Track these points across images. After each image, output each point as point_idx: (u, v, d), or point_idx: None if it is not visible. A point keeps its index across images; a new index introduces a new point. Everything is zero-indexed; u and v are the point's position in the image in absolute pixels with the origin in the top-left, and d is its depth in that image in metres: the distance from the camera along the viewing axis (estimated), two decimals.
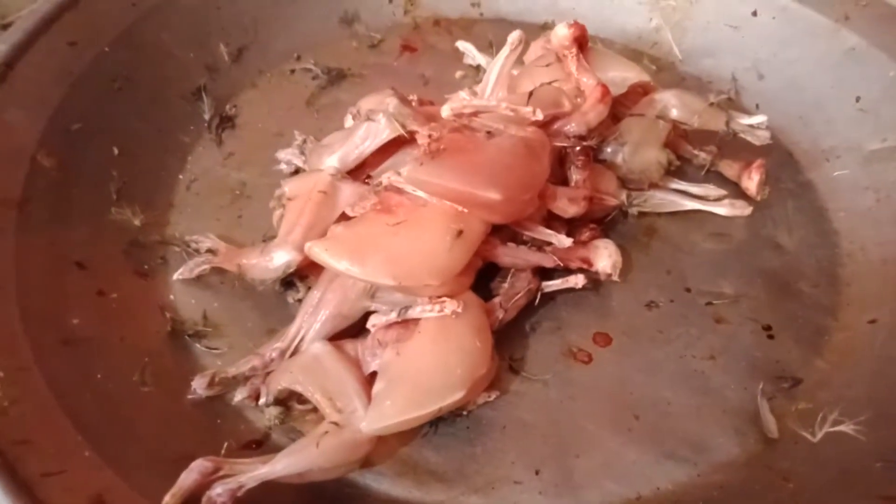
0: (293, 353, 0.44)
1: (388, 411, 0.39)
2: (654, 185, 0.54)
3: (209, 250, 0.50)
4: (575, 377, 0.45)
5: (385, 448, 0.41)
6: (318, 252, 0.41)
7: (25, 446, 0.35)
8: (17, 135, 0.48)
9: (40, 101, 0.50)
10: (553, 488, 0.41)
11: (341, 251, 0.41)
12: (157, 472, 0.38)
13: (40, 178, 0.48)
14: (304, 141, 0.55)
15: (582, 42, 0.51)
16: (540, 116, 0.45)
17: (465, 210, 0.42)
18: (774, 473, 0.41)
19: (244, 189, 0.56)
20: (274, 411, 0.42)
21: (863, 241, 0.52)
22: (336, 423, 0.39)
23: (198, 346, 0.46)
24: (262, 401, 0.42)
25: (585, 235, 0.49)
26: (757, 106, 0.62)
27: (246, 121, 0.61)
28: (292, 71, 0.65)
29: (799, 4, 0.61)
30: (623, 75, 0.53)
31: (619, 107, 0.54)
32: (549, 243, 0.47)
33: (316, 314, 0.44)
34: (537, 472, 0.41)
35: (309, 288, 0.47)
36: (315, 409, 0.42)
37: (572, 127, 0.48)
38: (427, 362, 0.40)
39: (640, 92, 0.55)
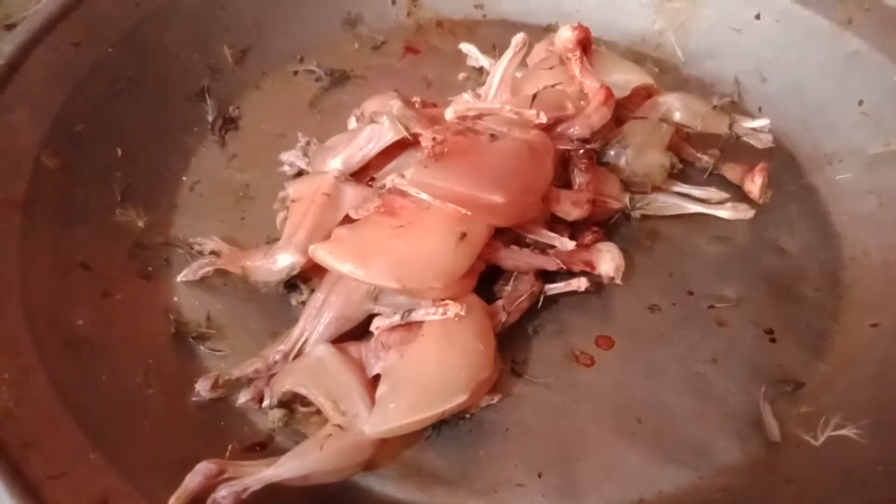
0: (297, 356, 0.44)
1: (392, 414, 0.39)
2: (656, 189, 0.54)
3: (213, 252, 0.50)
4: (577, 380, 0.46)
5: (388, 450, 0.42)
6: (322, 255, 0.41)
7: (31, 448, 0.35)
8: (22, 136, 0.48)
9: (44, 102, 0.50)
10: (555, 491, 0.41)
11: (345, 254, 0.41)
12: (162, 475, 0.38)
13: (44, 179, 0.48)
14: (308, 143, 0.55)
15: (585, 45, 0.51)
16: (544, 119, 0.45)
17: (469, 213, 0.42)
18: (777, 477, 0.41)
19: (247, 191, 0.56)
20: (277, 413, 0.42)
21: (865, 245, 0.52)
22: (340, 426, 0.39)
23: (201, 348, 0.46)
24: (265, 403, 0.42)
25: (588, 238, 0.49)
26: (759, 109, 0.62)
27: (249, 122, 0.61)
28: (295, 72, 0.65)
29: (802, 8, 0.61)
30: (626, 78, 0.53)
31: (623, 109, 0.54)
32: (552, 246, 0.47)
33: (319, 317, 0.44)
34: (540, 475, 0.41)
35: (312, 290, 0.47)
36: (319, 412, 0.42)
37: (576, 130, 0.48)
38: (430, 365, 0.40)
39: (643, 95, 0.55)
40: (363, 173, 0.49)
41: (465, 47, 0.66)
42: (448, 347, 0.41)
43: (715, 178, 0.56)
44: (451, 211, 0.42)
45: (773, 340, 0.48)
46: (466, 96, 0.54)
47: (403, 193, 0.43)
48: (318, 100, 0.63)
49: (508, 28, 0.68)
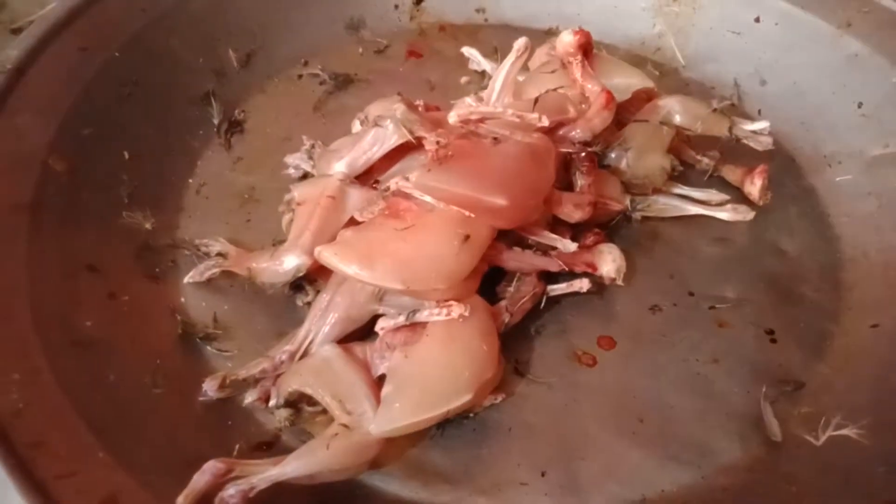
0: (303, 356, 0.44)
1: (397, 414, 0.39)
2: (657, 191, 0.54)
3: (219, 254, 0.50)
4: (580, 380, 0.46)
5: (393, 450, 0.42)
6: (328, 256, 0.42)
7: (40, 448, 0.36)
8: (29, 139, 0.49)
9: (51, 106, 0.51)
10: (558, 490, 0.41)
11: (350, 256, 0.42)
12: (169, 474, 0.38)
13: (51, 183, 0.49)
14: (313, 146, 0.56)
15: (587, 49, 0.52)
16: (546, 123, 0.46)
17: (472, 215, 0.43)
18: (778, 477, 0.41)
19: (253, 193, 0.56)
20: (284, 413, 0.42)
21: (865, 247, 0.53)
22: (346, 426, 0.39)
23: (208, 348, 0.47)
24: (272, 403, 0.43)
25: (590, 240, 0.50)
26: (759, 111, 0.62)
27: (254, 125, 0.61)
28: (300, 76, 0.66)
29: (801, 10, 0.61)
30: (627, 81, 0.53)
31: (623, 112, 0.54)
32: (554, 248, 0.47)
33: (325, 317, 0.44)
34: (543, 474, 0.42)
35: (318, 291, 0.47)
36: (324, 411, 0.42)
37: (577, 133, 0.49)
38: (435, 365, 0.41)
39: (643, 98, 0.56)
40: (367, 176, 0.49)
41: (468, 51, 0.67)
42: (452, 348, 0.41)
43: (715, 180, 0.57)
44: (454, 213, 0.43)
45: (773, 341, 0.48)
46: (469, 100, 0.54)
47: (407, 196, 0.44)
48: (323, 103, 0.64)
49: (510, 32, 0.69)
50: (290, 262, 0.46)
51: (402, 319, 0.43)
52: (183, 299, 0.49)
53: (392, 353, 0.42)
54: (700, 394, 0.45)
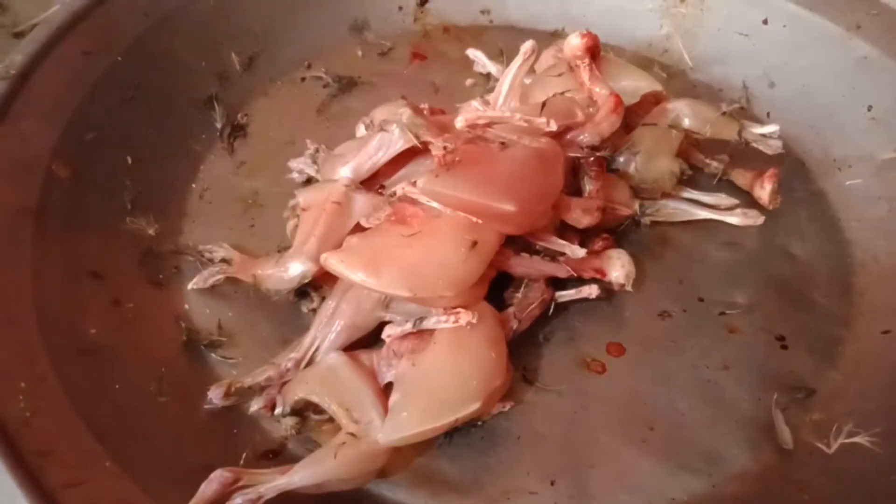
0: (308, 364, 0.44)
1: (405, 423, 0.39)
2: (666, 195, 0.54)
3: (223, 260, 0.50)
4: (589, 387, 0.46)
5: (400, 458, 0.42)
6: (334, 263, 0.41)
7: (47, 456, 0.35)
8: (33, 144, 0.49)
9: (55, 111, 0.51)
10: (568, 499, 0.41)
11: (357, 262, 0.41)
12: (176, 483, 0.38)
13: (55, 188, 0.48)
14: (317, 150, 0.55)
15: (594, 51, 0.51)
16: (554, 127, 0.45)
17: (480, 221, 0.42)
18: (790, 485, 0.41)
19: (256, 198, 0.56)
20: (290, 421, 0.42)
21: (876, 251, 0.52)
22: (353, 434, 0.39)
23: (213, 355, 0.46)
24: (278, 411, 0.42)
25: (598, 245, 0.49)
26: (768, 114, 0.62)
27: (257, 129, 0.61)
28: (303, 79, 0.65)
29: (810, 13, 0.61)
30: (635, 85, 0.53)
31: (632, 116, 0.54)
32: (563, 253, 0.47)
33: (331, 324, 0.44)
34: (552, 483, 0.42)
35: (323, 298, 0.47)
36: (331, 420, 0.42)
37: (585, 137, 0.48)
38: (443, 373, 0.40)
39: (651, 101, 0.55)
40: (373, 181, 0.49)
41: (472, 53, 0.66)
42: (460, 355, 0.41)
43: (724, 184, 0.56)
44: (461, 219, 0.42)
45: (784, 347, 0.48)
46: (475, 104, 0.54)
47: (414, 201, 0.43)
48: (326, 106, 0.63)
49: (515, 34, 0.68)
50: (295, 268, 0.45)
51: (409, 327, 0.42)
52: (187, 306, 0.49)
53: (399, 360, 0.42)
54: (710, 401, 0.45)
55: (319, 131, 0.60)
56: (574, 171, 0.49)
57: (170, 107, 0.58)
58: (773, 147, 0.55)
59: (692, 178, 0.55)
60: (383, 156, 0.47)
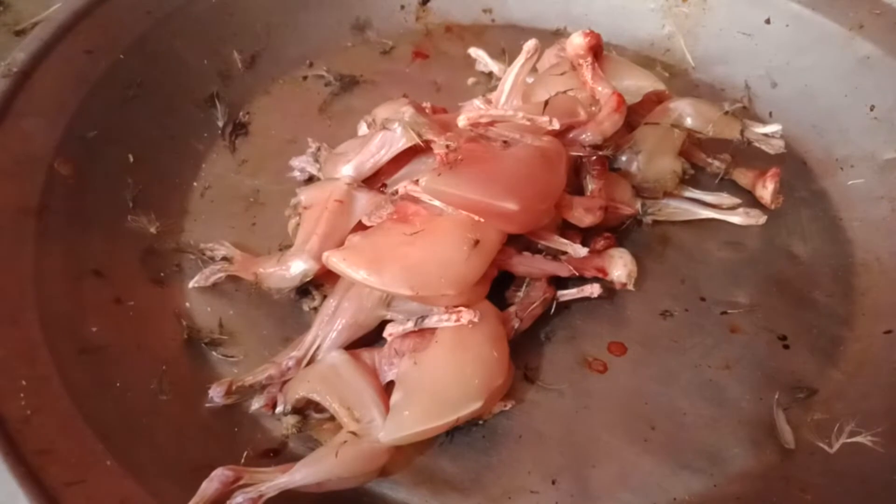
0: (310, 362, 0.44)
1: (407, 421, 0.39)
2: (668, 194, 0.54)
3: (224, 258, 0.50)
4: (590, 386, 0.46)
5: (401, 457, 0.42)
6: (336, 262, 0.41)
7: (48, 455, 0.35)
8: (35, 143, 0.49)
9: (57, 109, 0.51)
10: (569, 498, 0.41)
11: (359, 261, 0.41)
12: (177, 481, 0.38)
13: (57, 186, 0.48)
14: (319, 148, 0.55)
15: (597, 51, 0.51)
16: (557, 126, 0.45)
17: (482, 220, 0.42)
18: (792, 485, 0.41)
19: (258, 196, 0.56)
20: (291, 420, 0.42)
21: (878, 251, 0.52)
22: (354, 433, 0.39)
23: (214, 353, 0.46)
24: (279, 409, 0.42)
25: (600, 244, 0.49)
26: (770, 114, 0.62)
27: (259, 128, 0.61)
28: (305, 78, 0.65)
29: (813, 12, 0.61)
30: (638, 84, 0.53)
31: (634, 115, 0.54)
32: (564, 252, 0.47)
33: (332, 323, 0.44)
34: (553, 482, 0.41)
35: (324, 296, 0.47)
36: (332, 418, 0.42)
37: (588, 136, 0.48)
38: (444, 372, 0.40)
39: (654, 100, 0.55)
40: (374, 179, 0.49)
41: (474, 52, 0.66)
42: (462, 354, 0.41)
43: (726, 184, 0.56)
44: (464, 218, 0.42)
45: (786, 347, 0.48)
46: (478, 102, 0.54)
47: (416, 200, 0.43)
48: (328, 105, 0.63)
49: (517, 33, 0.68)
50: (297, 267, 0.45)
51: (410, 325, 0.42)
52: (188, 304, 0.49)
53: (401, 359, 0.42)
54: (712, 400, 0.45)
55: (321, 130, 0.60)
56: (576, 170, 0.49)
57: (172, 105, 0.58)
58: (775, 147, 0.55)
59: (694, 177, 0.55)
60: (385, 154, 0.47)
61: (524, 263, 0.46)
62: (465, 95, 0.62)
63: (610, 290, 0.49)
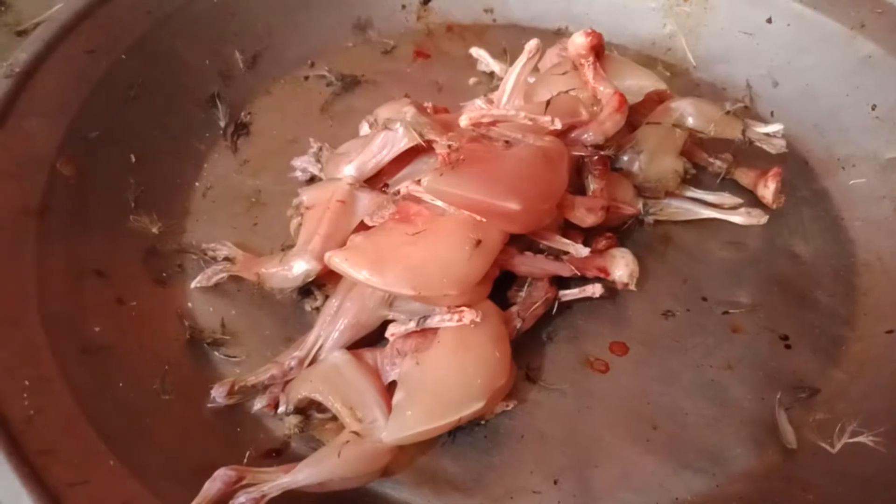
0: (312, 362, 0.44)
1: (409, 421, 0.39)
2: (669, 194, 0.54)
3: (226, 258, 0.50)
4: (592, 386, 0.46)
5: (403, 457, 0.42)
6: (338, 262, 0.41)
7: (51, 456, 0.35)
8: (37, 143, 0.49)
9: (59, 110, 0.51)
10: (571, 498, 0.41)
11: (361, 261, 0.41)
12: (180, 481, 0.38)
13: (59, 187, 0.48)
14: (320, 148, 0.55)
15: (599, 50, 0.51)
16: (559, 126, 0.45)
17: (484, 220, 0.42)
18: (794, 485, 0.41)
19: (259, 196, 0.56)
20: (294, 420, 0.42)
21: (879, 251, 0.52)
22: (357, 433, 0.39)
23: (216, 354, 0.46)
24: (281, 409, 0.42)
25: (602, 244, 0.49)
26: (772, 113, 0.61)
27: (260, 128, 0.61)
28: (306, 77, 0.65)
29: (814, 11, 0.61)
30: (639, 83, 0.53)
31: (636, 115, 0.54)
32: (566, 252, 0.47)
33: (334, 323, 0.44)
34: (556, 482, 0.41)
35: (326, 296, 0.47)
36: (334, 418, 0.42)
37: (589, 136, 0.48)
38: (447, 372, 0.40)
39: (655, 100, 0.55)
40: (376, 179, 0.49)
41: (476, 52, 0.66)
42: (464, 354, 0.41)
43: (728, 183, 0.56)
44: (466, 218, 0.42)
45: (787, 347, 0.48)
46: (479, 102, 0.54)
47: (418, 200, 0.43)
48: (329, 105, 0.63)
49: (518, 32, 0.68)
50: (299, 267, 0.45)
51: (412, 325, 0.42)
52: (190, 304, 0.49)
53: (403, 359, 0.42)
54: (714, 400, 0.45)
55: (323, 130, 0.60)
56: (578, 170, 0.49)
57: (173, 105, 0.58)
58: (776, 146, 0.55)
59: (696, 176, 0.55)
60: (387, 154, 0.47)
61: (526, 263, 0.46)
62: (467, 95, 0.62)
63: (612, 290, 0.49)
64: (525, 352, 0.46)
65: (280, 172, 0.57)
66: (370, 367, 0.42)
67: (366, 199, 0.46)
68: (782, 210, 0.55)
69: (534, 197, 0.43)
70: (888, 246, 0.52)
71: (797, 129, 0.59)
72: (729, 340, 0.48)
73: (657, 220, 0.53)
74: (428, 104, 0.54)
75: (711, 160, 0.56)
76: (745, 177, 0.56)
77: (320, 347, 0.44)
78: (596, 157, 0.48)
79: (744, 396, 0.45)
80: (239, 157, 0.59)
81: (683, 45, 0.66)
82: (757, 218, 0.54)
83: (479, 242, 0.42)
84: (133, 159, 0.53)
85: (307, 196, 0.48)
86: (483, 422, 0.43)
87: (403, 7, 0.70)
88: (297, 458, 0.39)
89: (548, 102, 0.49)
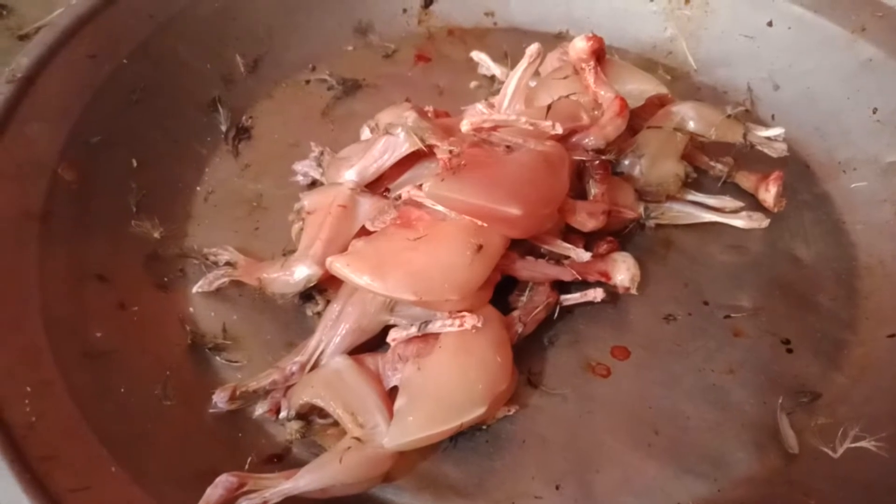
0: (313, 367, 0.44)
1: (411, 427, 0.39)
2: (671, 198, 0.54)
3: (228, 263, 0.50)
4: (594, 391, 0.46)
5: (405, 462, 0.42)
6: (340, 267, 0.41)
7: (53, 462, 0.35)
8: (39, 148, 0.49)
9: (61, 114, 0.51)
10: (573, 503, 0.41)
11: (362, 266, 0.41)
12: (181, 487, 0.38)
13: (61, 191, 0.48)
14: (322, 153, 0.55)
15: (600, 55, 0.51)
16: (560, 130, 0.45)
17: (485, 225, 0.42)
18: (795, 489, 0.41)
19: (261, 200, 0.56)
20: (295, 425, 0.42)
21: (881, 255, 0.52)
22: (358, 439, 0.39)
23: (218, 358, 0.46)
24: (282, 415, 0.42)
25: (603, 248, 0.49)
26: (773, 117, 0.61)
27: (262, 132, 0.61)
28: (307, 81, 0.65)
29: (815, 15, 0.61)
30: (641, 88, 0.53)
31: (636, 119, 0.53)
32: (567, 257, 0.47)
33: (336, 328, 0.44)
34: (557, 487, 0.41)
35: (328, 301, 0.47)
36: (336, 424, 0.42)
37: (591, 140, 0.48)
38: (448, 378, 0.40)
39: (656, 104, 0.55)
40: (377, 184, 0.49)
41: (477, 55, 0.66)
42: (466, 359, 0.41)
43: (729, 187, 0.56)
44: (467, 223, 0.42)
45: (789, 351, 0.48)
46: (480, 106, 0.54)
47: (419, 205, 0.43)
48: (331, 109, 0.63)
49: (519, 36, 0.68)
50: (300, 272, 0.45)
51: (414, 330, 0.42)
52: (192, 309, 0.49)
53: (404, 364, 0.42)
54: (715, 405, 0.45)
55: (324, 134, 0.60)
56: (579, 175, 0.49)
57: (175, 109, 0.58)
58: (777, 150, 0.55)
59: (697, 180, 0.55)
60: (388, 159, 0.47)
61: (527, 268, 0.46)
62: (468, 99, 0.62)
63: (613, 295, 0.49)
64: (526, 356, 0.46)
65: (281, 176, 0.57)
66: (372, 372, 0.42)
67: (367, 204, 0.46)
68: (783, 214, 0.55)
69: (535, 202, 0.43)
70: (890, 249, 0.52)
71: (798, 133, 0.59)
72: (730, 344, 0.48)
73: (658, 224, 0.53)
74: (429, 108, 0.54)
75: (712, 164, 0.56)
76: (746, 180, 0.56)
77: (322, 352, 0.44)
78: (597, 162, 0.48)
79: (745, 400, 0.45)
80: (240, 162, 0.59)
81: (684, 48, 0.66)
82: (758, 221, 0.54)
83: (480, 247, 0.42)
84: (135, 163, 0.54)
85: (308, 201, 0.48)
86: (485, 427, 0.43)
87: (404, 11, 0.70)
88: (299, 464, 0.39)
89: (549, 107, 0.49)
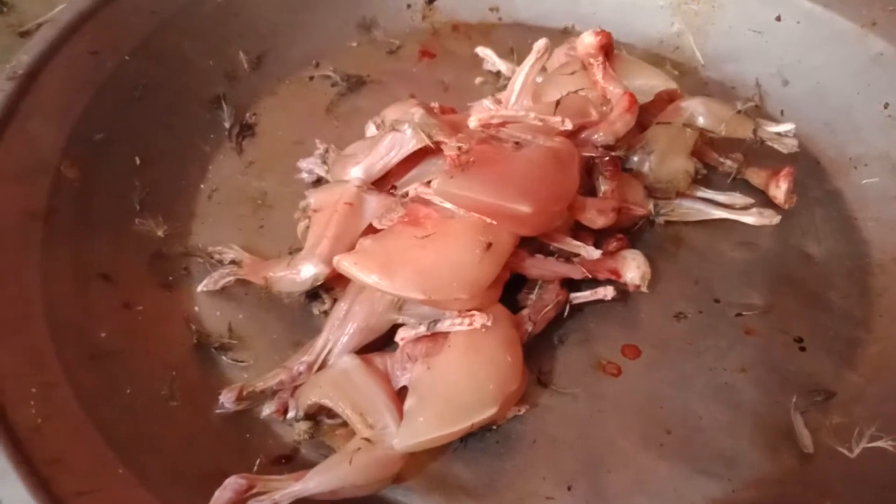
0: (321, 367, 0.43)
1: (421, 428, 0.38)
2: (680, 194, 0.53)
3: (233, 262, 0.49)
4: (604, 390, 0.45)
5: (415, 463, 0.41)
6: (347, 266, 0.41)
7: (59, 465, 0.35)
8: (42, 146, 0.48)
9: (63, 112, 0.50)
10: None
11: (370, 265, 0.41)
12: (189, 489, 0.37)
13: (64, 190, 0.48)
14: (327, 150, 0.55)
15: (608, 50, 0.51)
16: (569, 126, 0.44)
17: (494, 222, 0.42)
18: (810, 490, 0.40)
19: (265, 198, 0.55)
20: (303, 426, 0.41)
21: (894, 251, 0.51)
22: (368, 440, 0.38)
23: (224, 358, 0.46)
24: (290, 415, 0.42)
25: (613, 246, 0.49)
26: (782, 112, 0.61)
27: (266, 129, 0.60)
28: (311, 78, 0.65)
29: (824, 9, 0.60)
30: (650, 83, 0.52)
31: (646, 115, 0.53)
32: (577, 254, 0.46)
33: (343, 327, 0.43)
34: (569, 488, 0.41)
35: (334, 299, 0.46)
36: (344, 424, 0.41)
37: (600, 136, 0.48)
38: (458, 377, 0.40)
39: (665, 99, 0.54)
40: (384, 181, 0.48)
41: (482, 51, 0.65)
42: (475, 359, 0.40)
43: (739, 183, 0.56)
44: (476, 220, 0.42)
45: (802, 349, 0.47)
46: (487, 103, 0.53)
47: (427, 202, 0.43)
48: (335, 105, 0.63)
49: (524, 31, 0.68)
50: (307, 270, 0.45)
51: (422, 329, 0.42)
52: (197, 308, 0.48)
53: (413, 364, 0.41)
54: (728, 404, 0.44)
55: (328, 130, 0.60)
56: (588, 171, 0.49)
57: (178, 106, 0.57)
58: (788, 146, 0.54)
59: (707, 177, 0.55)
60: (395, 156, 0.46)
61: (537, 266, 0.46)
62: (473, 95, 0.61)
63: (623, 293, 0.48)
64: (536, 355, 0.46)
65: (286, 174, 0.56)
66: (380, 371, 0.42)
67: (374, 202, 0.46)
68: (794, 210, 0.54)
69: (544, 199, 0.42)
70: None
71: (808, 129, 0.58)
72: (742, 343, 0.47)
73: (668, 221, 0.53)
74: (435, 104, 0.53)
75: (722, 160, 0.56)
76: (756, 177, 0.55)
77: (329, 352, 0.43)
78: (606, 158, 0.48)
79: (758, 400, 0.45)
80: (244, 159, 0.58)
81: (692, 43, 0.65)
82: (769, 218, 0.53)
83: (489, 245, 0.41)
84: (138, 161, 0.53)
85: (314, 198, 0.48)
86: (495, 427, 0.43)
87: (408, 6, 0.69)
88: (307, 465, 0.39)
89: (557, 103, 0.48)
